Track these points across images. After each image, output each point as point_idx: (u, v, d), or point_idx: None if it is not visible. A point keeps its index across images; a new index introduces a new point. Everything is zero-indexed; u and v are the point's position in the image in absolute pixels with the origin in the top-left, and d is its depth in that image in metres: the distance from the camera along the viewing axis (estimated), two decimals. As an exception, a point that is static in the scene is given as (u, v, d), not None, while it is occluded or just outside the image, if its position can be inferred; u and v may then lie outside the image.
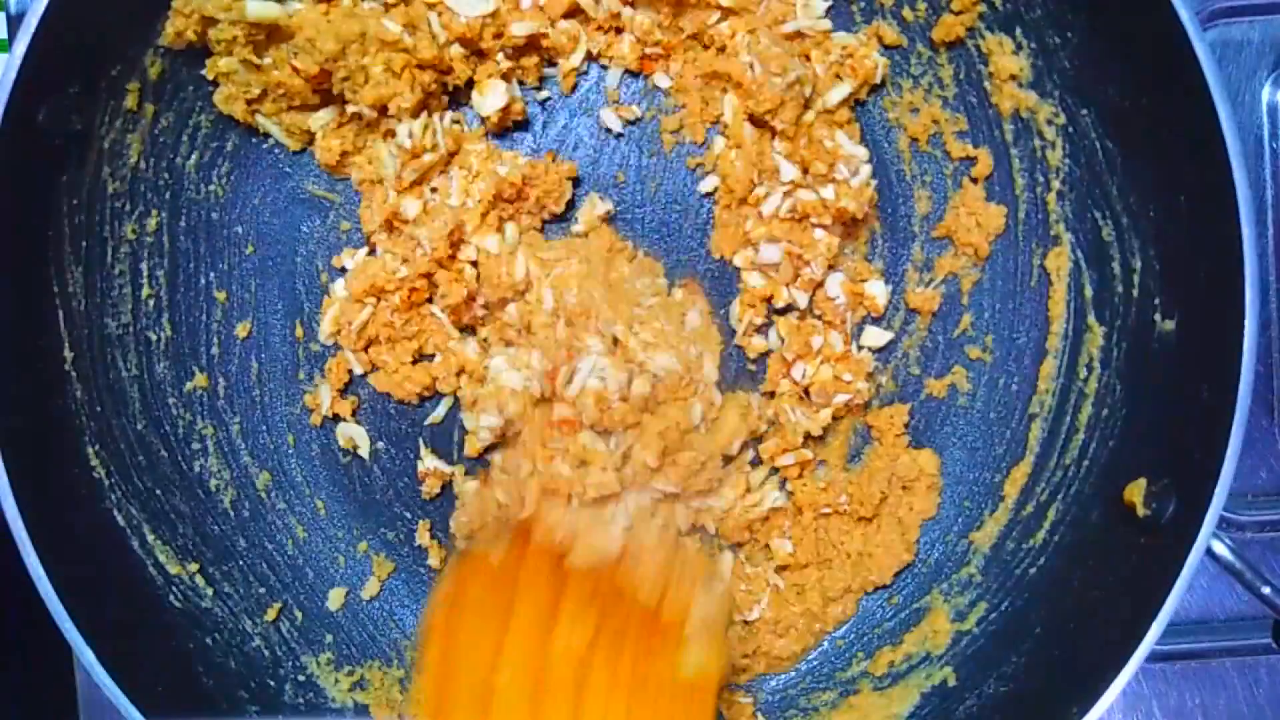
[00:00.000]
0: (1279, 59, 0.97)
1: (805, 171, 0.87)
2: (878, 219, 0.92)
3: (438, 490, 0.92)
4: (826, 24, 0.89)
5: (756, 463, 0.92)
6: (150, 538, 0.84)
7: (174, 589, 0.84)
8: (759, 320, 0.91)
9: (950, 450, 0.92)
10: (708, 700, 0.79)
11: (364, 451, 0.92)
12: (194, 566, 0.86)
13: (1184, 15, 0.71)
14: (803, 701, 0.91)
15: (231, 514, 0.90)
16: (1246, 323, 0.71)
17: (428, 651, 0.79)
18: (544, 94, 0.92)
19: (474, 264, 0.88)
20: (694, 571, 0.84)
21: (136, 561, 0.83)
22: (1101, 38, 0.80)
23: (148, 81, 0.83)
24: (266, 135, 0.89)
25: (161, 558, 0.85)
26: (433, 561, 0.92)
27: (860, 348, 0.92)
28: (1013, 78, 0.86)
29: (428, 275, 0.87)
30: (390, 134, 0.88)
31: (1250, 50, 0.97)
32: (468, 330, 0.91)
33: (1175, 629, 0.96)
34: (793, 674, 0.92)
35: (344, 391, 0.91)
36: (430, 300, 0.89)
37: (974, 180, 0.90)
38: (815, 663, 0.92)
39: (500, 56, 0.88)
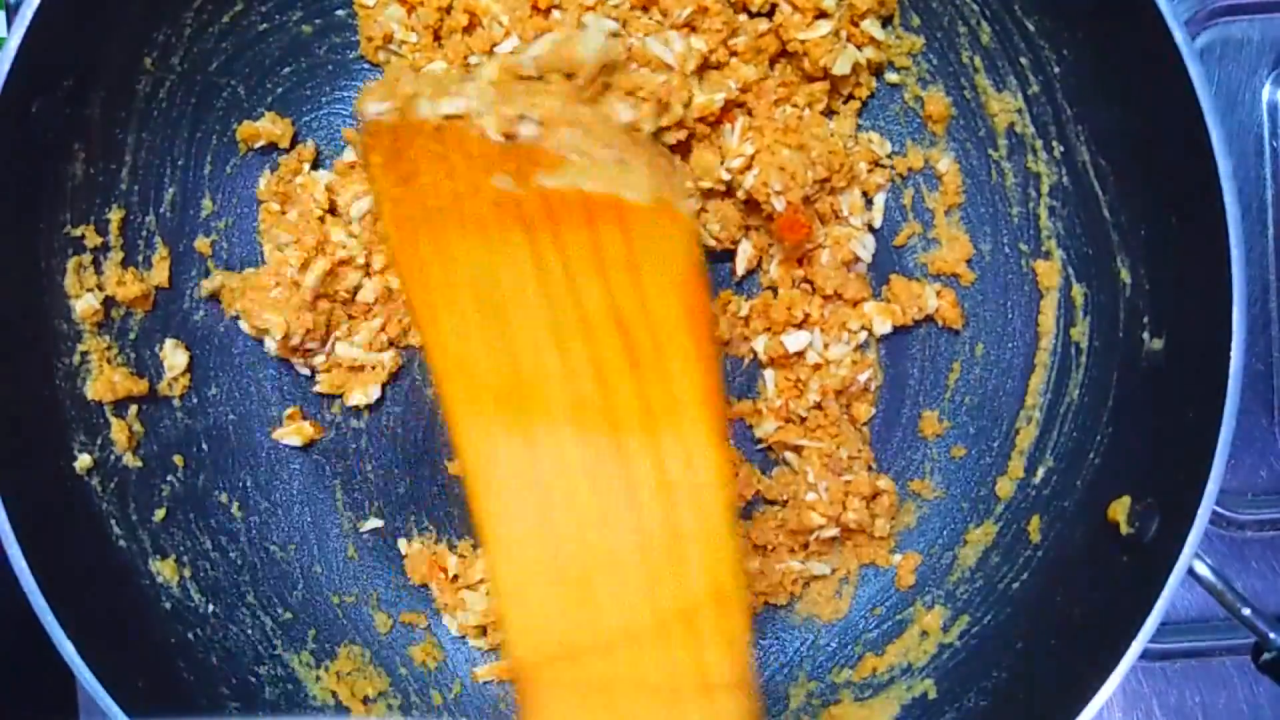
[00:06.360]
0: (1279, 58, 0.97)
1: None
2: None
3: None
4: None
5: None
6: (138, 530, 0.84)
7: (158, 583, 0.84)
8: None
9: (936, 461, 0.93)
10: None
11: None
12: (178, 561, 0.86)
13: (1179, 37, 0.71)
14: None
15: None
16: (1234, 346, 0.71)
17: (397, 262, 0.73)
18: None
19: None
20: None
21: (121, 555, 0.83)
22: (1096, 58, 0.80)
23: (145, 78, 0.83)
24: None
25: (147, 551, 0.84)
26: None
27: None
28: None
29: None
30: None
31: (1250, 49, 0.97)
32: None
33: (1176, 628, 0.96)
34: (776, 676, 0.93)
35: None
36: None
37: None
38: (797, 666, 0.92)
39: None
